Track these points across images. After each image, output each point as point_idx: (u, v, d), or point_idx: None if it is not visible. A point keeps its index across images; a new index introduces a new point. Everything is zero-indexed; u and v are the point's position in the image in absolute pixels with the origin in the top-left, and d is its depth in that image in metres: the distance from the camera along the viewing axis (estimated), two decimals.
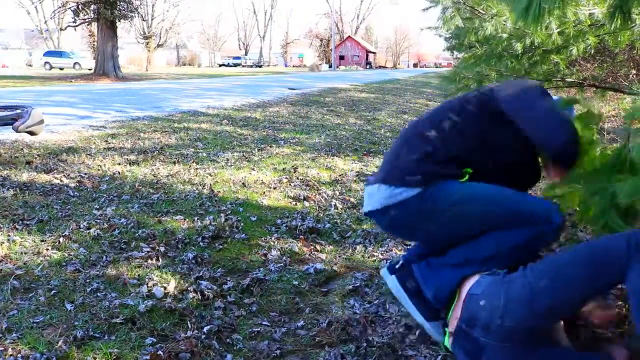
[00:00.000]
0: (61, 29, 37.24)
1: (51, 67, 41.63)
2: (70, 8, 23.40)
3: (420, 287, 2.04)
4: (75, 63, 41.53)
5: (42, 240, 2.96)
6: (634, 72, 6.89)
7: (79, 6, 22.56)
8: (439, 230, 2.03)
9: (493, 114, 1.99)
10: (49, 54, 44.23)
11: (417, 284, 2.05)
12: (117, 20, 23.03)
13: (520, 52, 3.09)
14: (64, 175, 4.41)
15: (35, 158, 5.02)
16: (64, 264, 2.66)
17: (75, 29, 25.84)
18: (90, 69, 39.77)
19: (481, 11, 3.33)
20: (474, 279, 1.77)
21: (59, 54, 43.93)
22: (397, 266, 2.25)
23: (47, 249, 2.83)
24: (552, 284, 1.54)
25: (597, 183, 1.73)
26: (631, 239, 1.47)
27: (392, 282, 2.12)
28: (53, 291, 2.35)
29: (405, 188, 1.95)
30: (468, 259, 1.93)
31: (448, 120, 2.04)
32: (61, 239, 2.96)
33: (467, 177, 2.02)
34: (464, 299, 1.73)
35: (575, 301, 1.56)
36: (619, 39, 2.86)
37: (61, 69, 41.04)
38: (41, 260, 2.67)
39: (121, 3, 22.77)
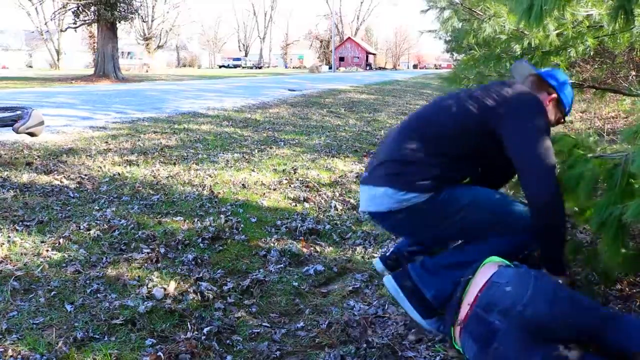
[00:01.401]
0: (61, 30, 37.14)
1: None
2: (70, 9, 23.42)
3: (417, 287, 2.07)
4: (144, 64, 41.25)
5: (42, 242, 2.96)
6: (634, 73, 6.90)
7: (79, 7, 22.57)
8: (445, 233, 2.11)
9: (492, 133, 2.00)
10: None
11: (414, 283, 2.07)
12: (117, 22, 23.04)
13: (519, 53, 3.09)
14: (64, 177, 4.41)
15: (36, 159, 5.02)
16: (64, 265, 2.66)
17: (75, 30, 25.84)
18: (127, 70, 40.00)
19: (479, 12, 3.33)
20: (490, 270, 1.79)
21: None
22: (388, 254, 2.44)
23: (47, 250, 2.83)
24: (571, 301, 1.63)
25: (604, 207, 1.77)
26: None
27: (389, 281, 2.15)
28: (53, 292, 2.35)
29: (416, 194, 1.97)
30: (466, 261, 1.96)
31: (452, 127, 2.04)
32: (61, 240, 2.96)
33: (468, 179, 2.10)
34: (482, 287, 1.75)
35: (583, 327, 1.61)
36: (619, 41, 2.87)
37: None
38: (41, 262, 2.67)
39: (121, 4, 22.77)
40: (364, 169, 5.15)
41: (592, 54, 3.79)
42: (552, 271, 1.97)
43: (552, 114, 2.14)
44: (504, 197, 2.13)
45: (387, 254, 2.49)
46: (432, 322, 2.07)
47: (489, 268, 1.81)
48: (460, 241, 2.16)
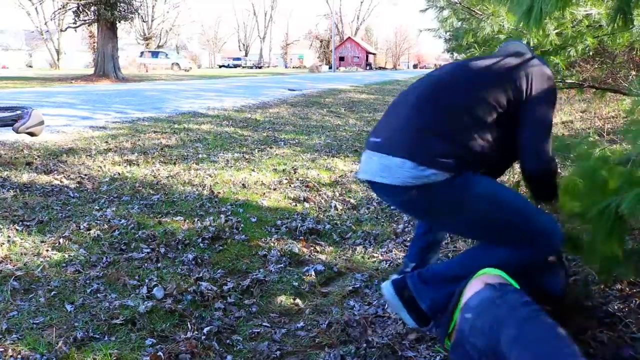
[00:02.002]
0: (61, 30, 37.12)
1: (146, 71, 39.07)
2: (70, 9, 23.41)
3: (412, 297, 2.01)
4: (173, 64, 40.31)
5: (42, 241, 2.96)
6: (634, 73, 6.89)
7: (80, 7, 22.56)
8: (455, 221, 1.95)
9: (515, 116, 1.90)
10: (144, 54, 41.94)
11: (410, 293, 2.02)
12: (117, 22, 23.01)
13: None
14: (64, 176, 4.41)
15: (36, 159, 5.02)
16: (64, 264, 2.66)
17: (75, 30, 25.82)
18: (187, 69, 38.84)
19: (478, 12, 3.33)
20: (474, 287, 1.67)
21: (155, 54, 41.96)
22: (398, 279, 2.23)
23: (47, 250, 2.83)
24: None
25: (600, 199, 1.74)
26: None
27: (387, 289, 2.07)
28: (53, 292, 2.36)
29: (436, 171, 1.79)
30: (464, 274, 1.85)
31: (480, 105, 1.87)
32: (61, 240, 2.97)
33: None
34: (461, 309, 1.65)
35: None
36: (618, 41, 2.87)
37: (153, 69, 39.11)
38: (41, 261, 2.67)
39: (121, 4, 22.74)
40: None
41: (592, 53, 3.79)
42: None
43: None
44: (525, 201, 1.98)
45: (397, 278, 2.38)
46: (429, 328, 2.03)
47: (475, 284, 1.69)
48: (466, 237, 2.07)
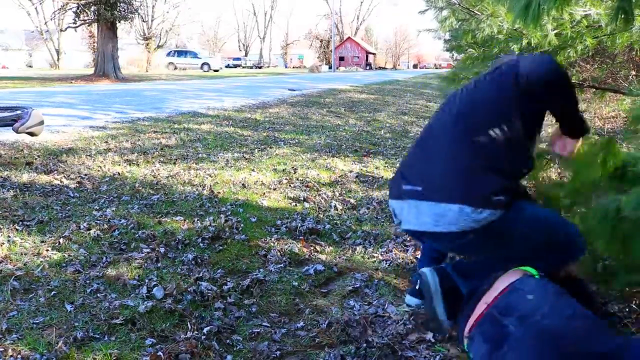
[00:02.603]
0: (61, 30, 37.06)
1: (175, 68, 39.13)
2: (70, 9, 23.39)
3: (456, 286, 2.06)
4: (203, 64, 39.63)
5: (42, 241, 2.96)
6: (634, 73, 6.89)
7: (79, 7, 22.55)
8: (505, 251, 1.95)
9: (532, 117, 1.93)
10: (172, 53, 41.40)
11: (454, 283, 2.07)
12: (117, 21, 23.00)
13: (517, 53, 3.09)
14: (64, 176, 4.41)
15: (35, 159, 5.02)
16: (64, 264, 2.67)
17: (75, 30, 25.80)
18: (217, 70, 38.50)
19: (477, 12, 3.34)
20: (514, 275, 1.76)
21: (184, 53, 41.42)
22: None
23: (47, 250, 2.83)
24: (589, 323, 1.60)
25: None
26: None
27: (431, 276, 2.08)
28: (53, 292, 2.36)
29: (491, 210, 1.81)
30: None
31: (505, 129, 1.87)
32: (61, 240, 2.97)
33: None
34: (502, 290, 1.72)
35: (597, 352, 1.55)
36: (618, 41, 2.87)
37: (183, 69, 38.60)
38: (41, 261, 2.67)
39: (121, 4, 22.74)
40: (363, 168, 5.19)
41: (591, 53, 3.79)
42: (574, 133, 1.98)
43: None
44: (555, 214, 2.02)
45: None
46: (451, 323, 2.06)
47: (513, 274, 1.77)
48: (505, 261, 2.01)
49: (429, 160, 1.96)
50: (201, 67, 39.55)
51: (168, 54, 41.57)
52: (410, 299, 2.35)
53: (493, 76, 1.99)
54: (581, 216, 2.07)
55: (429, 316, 2.14)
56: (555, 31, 2.83)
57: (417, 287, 2.24)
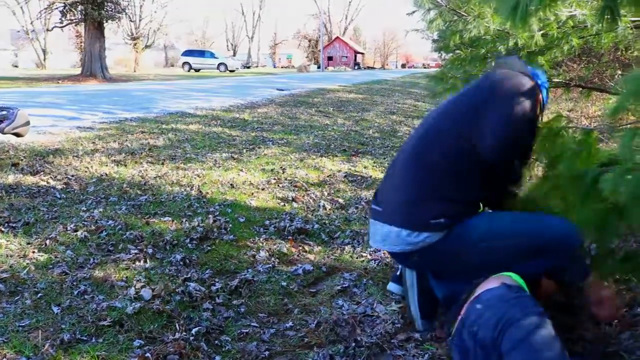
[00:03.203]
0: (48, 30, 36.72)
1: (190, 68, 38.54)
2: (57, 8, 23.22)
3: (430, 287, 2.11)
4: (220, 64, 38.92)
5: (28, 243, 2.94)
6: (620, 72, 6.96)
7: (66, 7, 22.39)
8: (469, 269, 1.96)
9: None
10: (189, 53, 40.47)
11: (429, 283, 2.12)
12: (104, 21, 22.88)
13: (504, 53, 3.11)
14: (50, 177, 4.38)
15: (22, 160, 4.98)
16: (51, 266, 2.65)
17: (62, 30, 25.65)
18: (233, 70, 37.96)
19: (464, 13, 3.35)
20: (490, 284, 1.71)
21: (200, 53, 40.57)
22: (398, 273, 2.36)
23: (34, 252, 2.81)
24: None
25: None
26: None
27: (410, 273, 2.15)
28: (39, 294, 2.34)
29: (429, 233, 1.89)
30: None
31: (454, 160, 1.93)
32: (48, 242, 2.94)
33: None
34: (470, 300, 1.70)
35: None
36: (603, 41, 2.89)
37: (197, 70, 37.84)
38: (27, 263, 2.65)
39: (109, 4, 22.61)
40: (351, 168, 5.21)
41: (577, 53, 3.82)
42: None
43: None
44: (527, 217, 2.00)
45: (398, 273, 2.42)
46: (425, 323, 2.12)
47: (491, 281, 1.73)
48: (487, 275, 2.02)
49: (391, 183, 2.08)
50: (217, 68, 38.96)
51: (183, 54, 40.92)
52: (392, 285, 2.42)
53: (460, 105, 2.04)
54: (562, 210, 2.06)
55: (407, 309, 2.19)
56: (542, 32, 2.85)
57: (398, 273, 2.35)
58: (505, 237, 1.92)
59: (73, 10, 22.50)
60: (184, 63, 38.91)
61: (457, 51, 3.86)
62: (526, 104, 1.92)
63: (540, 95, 2.11)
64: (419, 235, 1.89)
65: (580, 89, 4.35)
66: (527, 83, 1.97)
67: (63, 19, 23.18)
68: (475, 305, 1.62)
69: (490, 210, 2.15)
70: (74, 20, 23.47)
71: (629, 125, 1.78)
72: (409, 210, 1.93)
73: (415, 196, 1.94)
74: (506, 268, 1.80)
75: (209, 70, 38.07)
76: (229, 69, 39.15)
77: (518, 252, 1.90)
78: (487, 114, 1.91)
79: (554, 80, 3.80)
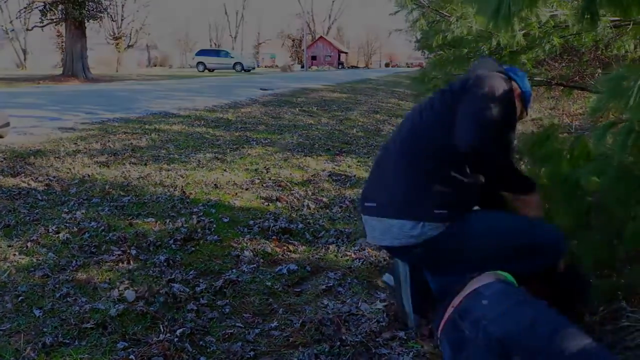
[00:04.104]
0: (28, 29, 36.27)
1: (205, 68, 37.65)
2: (37, 8, 22.94)
3: (425, 280, 2.11)
4: (236, 63, 37.98)
5: (9, 246, 2.90)
6: (600, 71, 7.05)
7: (46, 6, 22.13)
8: (467, 264, 1.95)
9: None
10: (203, 52, 39.42)
11: (423, 277, 2.12)
12: (85, 21, 22.65)
13: (486, 53, 3.14)
14: (31, 179, 4.32)
15: (1, 161, 4.91)
16: (32, 269, 2.61)
17: (42, 29, 25.33)
18: (249, 69, 37.05)
19: (446, 14, 3.37)
20: (485, 279, 1.73)
21: (215, 52, 39.64)
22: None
23: (15, 254, 2.77)
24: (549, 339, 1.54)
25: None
26: None
27: (403, 267, 2.15)
28: (20, 297, 2.31)
29: (432, 225, 1.88)
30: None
31: (440, 155, 1.93)
32: (29, 244, 2.91)
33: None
34: (467, 293, 1.71)
35: None
36: (584, 40, 2.93)
37: (211, 70, 36.94)
38: (8, 266, 2.62)
39: (90, 3, 22.40)
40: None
41: (559, 52, 3.87)
42: (521, 191, 1.98)
43: (517, 109, 2.16)
44: (522, 219, 2.01)
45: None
46: (417, 318, 2.12)
47: (486, 277, 1.76)
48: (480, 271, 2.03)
49: (382, 178, 2.06)
50: (233, 67, 38.10)
51: (197, 54, 39.83)
52: (387, 277, 2.40)
53: (441, 101, 2.04)
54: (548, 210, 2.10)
55: (398, 305, 2.19)
56: (524, 31, 2.88)
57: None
58: (505, 234, 1.95)
59: (53, 9, 22.25)
60: (199, 63, 37.97)
61: (440, 52, 3.89)
62: (498, 97, 1.92)
63: (518, 91, 2.13)
64: (423, 226, 1.87)
65: (562, 87, 4.40)
66: (499, 79, 1.99)
67: (43, 18, 22.91)
68: (480, 300, 1.64)
69: (488, 209, 2.16)
70: (55, 20, 23.21)
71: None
72: (409, 200, 1.91)
73: (414, 187, 1.93)
74: (501, 264, 1.84)
75: (225, 71, 37.24)
76: (245, 68, 38.35)
77: (515, 250, 1.93)
78: (459, 106, 1.93)
79: (536, 78, 3.84)
